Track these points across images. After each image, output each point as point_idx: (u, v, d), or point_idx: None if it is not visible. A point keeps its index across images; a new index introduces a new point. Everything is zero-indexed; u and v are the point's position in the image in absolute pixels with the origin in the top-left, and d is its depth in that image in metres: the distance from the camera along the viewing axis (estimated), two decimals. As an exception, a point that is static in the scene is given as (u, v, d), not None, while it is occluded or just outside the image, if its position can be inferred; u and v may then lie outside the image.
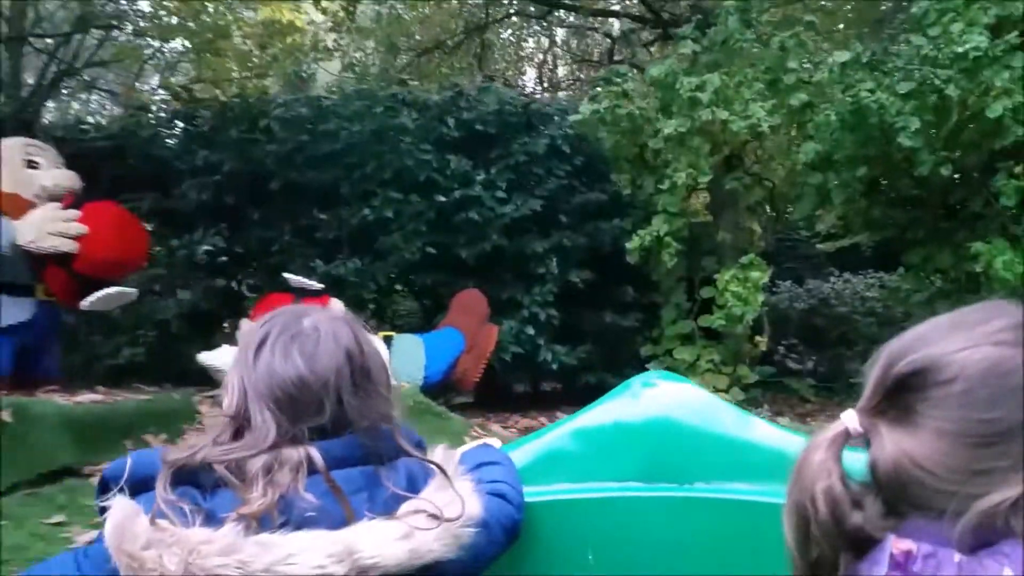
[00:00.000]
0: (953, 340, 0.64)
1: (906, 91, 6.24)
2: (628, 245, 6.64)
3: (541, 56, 17.17)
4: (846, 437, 0.68)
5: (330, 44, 13.31)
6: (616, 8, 14.09)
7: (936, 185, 6.96)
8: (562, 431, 1.23)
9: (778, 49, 6.48)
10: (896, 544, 0.61)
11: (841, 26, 10.04)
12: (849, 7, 9.84)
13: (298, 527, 0.82)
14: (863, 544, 0.64)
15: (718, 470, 1.13)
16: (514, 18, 14.31)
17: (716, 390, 6.37)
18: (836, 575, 0.65)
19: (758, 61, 6.52)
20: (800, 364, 9.92)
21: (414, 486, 0.91)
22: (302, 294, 4.90)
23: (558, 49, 17.17)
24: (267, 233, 6.96)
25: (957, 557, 0.59)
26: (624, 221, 7.19)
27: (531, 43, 16.93)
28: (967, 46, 6.02)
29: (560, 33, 16.73)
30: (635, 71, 8.41)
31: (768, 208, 8.13)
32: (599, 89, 6.71)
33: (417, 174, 6.59)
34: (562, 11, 13.43)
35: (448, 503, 0.89)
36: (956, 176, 6.73)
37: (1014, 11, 6.33)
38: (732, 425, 1.18)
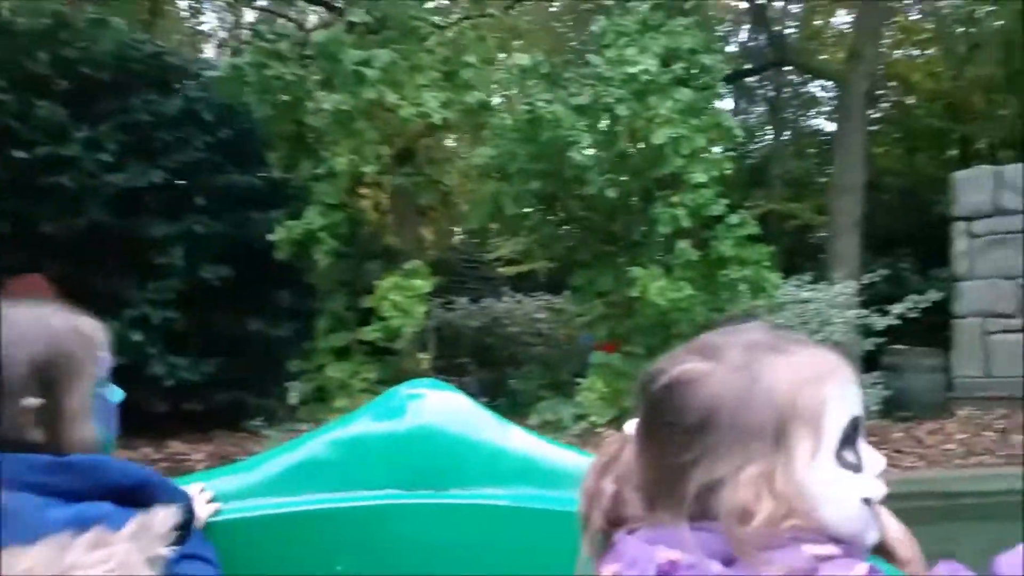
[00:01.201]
0: (678, 355, 0.71)
1: (579, 104, 6.07)
2: (272, 237, 5.60)
3: (226, 35, 15.42)
4: (623, 441, 0.75)
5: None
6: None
7: (603, 208, 6.94)
8: (321, 439, 1.20)
9: (455, 39, 5.96)
10: (662, 553, 0.64)
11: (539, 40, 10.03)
12: (532, 18, 9.88)
13: None
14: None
15: (475, 476, 1.15)
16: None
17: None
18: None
19: (434, 48, 5.94)
20: (470, 382, 9.59)
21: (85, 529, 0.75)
22: None
23: (245, 31, 15.57)
24: None
25: (716, 568, 0.62)
26: (281, 212, 6.12)
27: (213, 18, 15.11)
28: (638, 67, 6.00)
29: (250, 16, 15.16)
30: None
31: (442, 214, 7.62)
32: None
33: (-17, 118, 4.91)
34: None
35: (94, 563, 0.71)
36: (622, 201, 6.75)
37: (681, 44, 6.50)
38: (491, 432, 1.21)
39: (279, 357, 6.52)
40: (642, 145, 6.34)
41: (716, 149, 6.75)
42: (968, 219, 8.69)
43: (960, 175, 9.00)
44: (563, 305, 8.23)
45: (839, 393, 0.68)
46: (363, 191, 6.30)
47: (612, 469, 0.74)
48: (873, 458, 0.69)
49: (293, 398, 6.27)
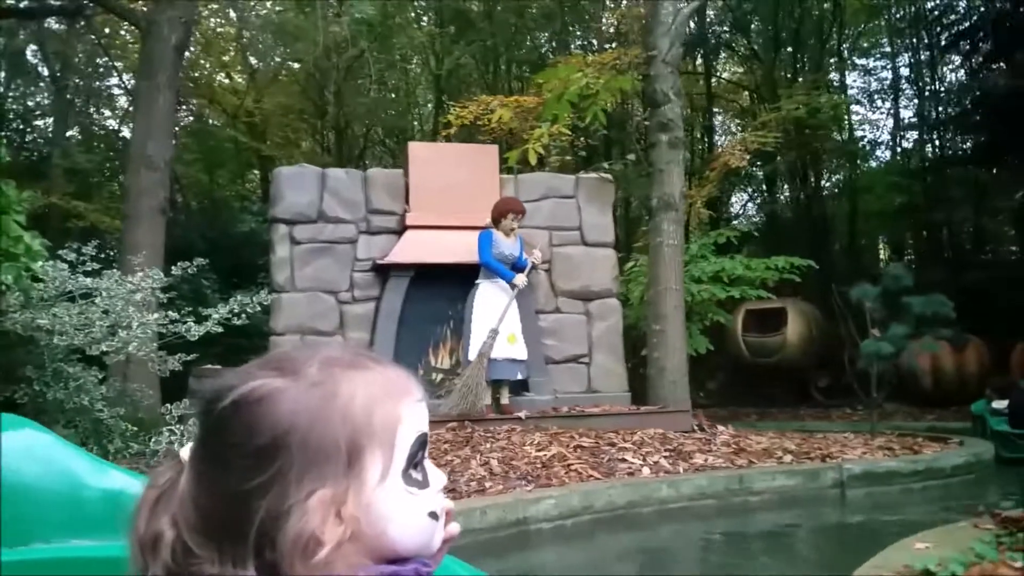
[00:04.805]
0: (249, 370, 0.62)
1: None
2: None
3: None
4: (177, 469, 0.63)
5: None
6: None
7: None
8: None
9: None
10: None
11: None
12: None
13: None
14: None
15: (61, 526, 0.99)
16: None
17: None
18: None
19: None
20: None
21: None
22: None
23: None
24: None
25: None
26: None
27: None
28: None
29: None
30: None
31: None
32: None
33: None
34: None
35: None
36: None
37: None
38: (80, 475, 1.04)
39: None
40: None
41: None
42: (290, 223, 7.49)
43: (284, 172, 7.79)
44: None
45: (410, 411, 0.64)
46: None
47: (167, 506, 0.61)
48: (436, 474, 0.67)
49: None
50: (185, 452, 0.64)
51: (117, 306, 4.01)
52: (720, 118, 20.03)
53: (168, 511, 0.60)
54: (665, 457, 5.68)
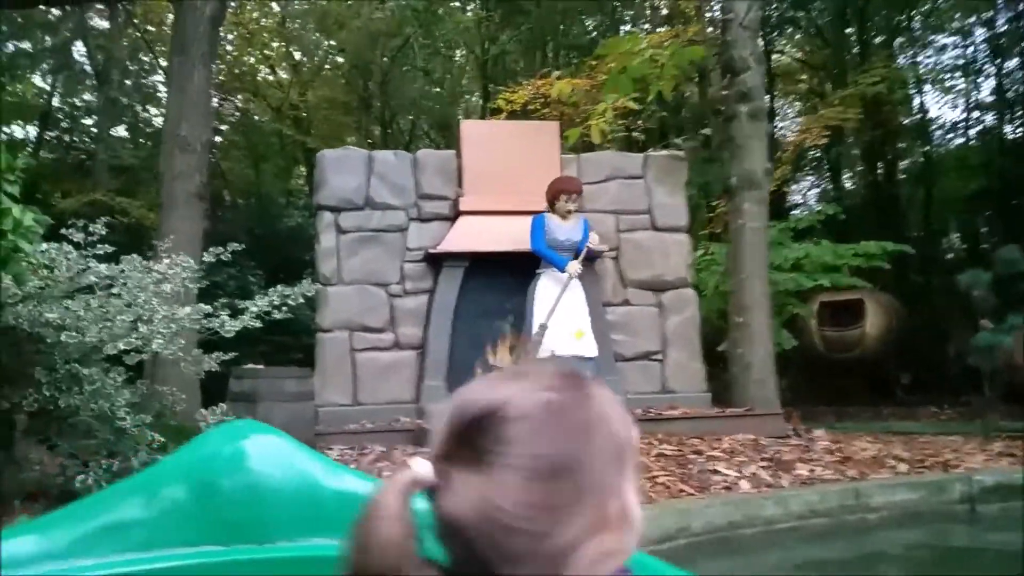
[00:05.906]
0: (514, 387, 0.68)
1: None
2: None
3: None
4: (415, 485, 0.66)
5: None
6: None
7: None
8: (124, 491, 1.03)
9: None
10: None
11: None
12: None
13: None
14: None
15: (302, 526, 1.04)
16: None
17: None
18: None
19: None
20: None
21: None
22: None
23: None
24: None
25: None
26: None
27: None
28: None
29: None
30: None
31: None
32: None
33: None
34: None
35: None
36: None
37: None
38: (318, 477, 1.09)
39: None
40: None
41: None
42: (336, 210, 6.94)
43: (328, 155, 7.23)
44: None
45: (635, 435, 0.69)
46: None
47: (406, 513, 0.65)
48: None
49: None
50: (418, 463, 0.65)
51: (140, 298, 3.45)
52: (779, 101, 19.01)
53: (396, 511, 0.63)
54: (763, 468, 4.96)
